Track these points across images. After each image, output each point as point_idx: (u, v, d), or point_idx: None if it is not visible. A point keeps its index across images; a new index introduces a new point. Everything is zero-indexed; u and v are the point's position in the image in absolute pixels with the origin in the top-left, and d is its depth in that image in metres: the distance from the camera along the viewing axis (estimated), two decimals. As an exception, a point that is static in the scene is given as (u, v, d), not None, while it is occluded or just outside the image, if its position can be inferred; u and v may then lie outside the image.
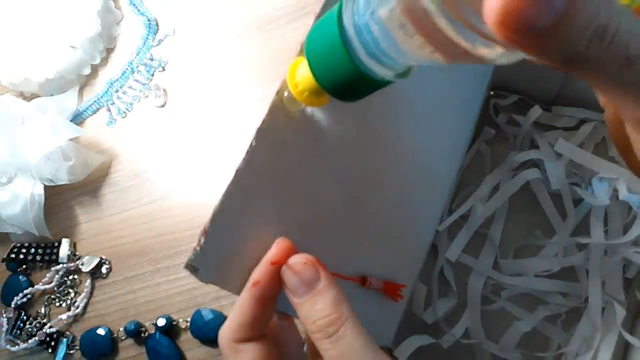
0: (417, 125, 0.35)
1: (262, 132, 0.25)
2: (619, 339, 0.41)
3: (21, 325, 0.48)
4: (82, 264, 0.48)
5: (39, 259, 0.49)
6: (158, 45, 0.52)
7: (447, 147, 0.39)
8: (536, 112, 0.45)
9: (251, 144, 0.25)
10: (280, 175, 0.27)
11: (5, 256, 0.50)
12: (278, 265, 0.25)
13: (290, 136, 0.27)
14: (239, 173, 0.25)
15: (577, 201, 0.45)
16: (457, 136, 0.40)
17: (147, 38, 0.52)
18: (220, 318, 0.44)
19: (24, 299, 0.49)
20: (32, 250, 0.49)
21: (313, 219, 0.28)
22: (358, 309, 0.24)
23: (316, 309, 0.24)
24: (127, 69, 0.52)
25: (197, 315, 0.44)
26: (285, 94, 0.26)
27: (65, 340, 0.47)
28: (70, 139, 0.48)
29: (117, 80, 0.52)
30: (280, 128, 0.26)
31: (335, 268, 0.25)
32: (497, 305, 0.43)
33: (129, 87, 0.52)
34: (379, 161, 0.32)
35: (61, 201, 0.50)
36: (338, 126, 0.29)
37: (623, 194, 0.41)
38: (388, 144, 0.33)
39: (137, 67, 0.52)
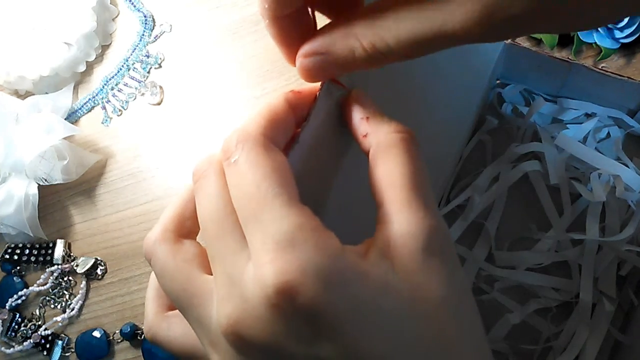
0: (417, 109, 0.34)
1: None
2: (607, 336, 0.41)
3: (16, 327, 0.48)
4: (77, 265, 0.47)
5: (33, 260, 0.48)
6: (154, 41, 0.51)
7: (447, 135, 0.39)
8: (540, 103, 0.45)
9: None
10: None
11: (-1, 257, 0.49)
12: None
13: None
14: None
15: (577, 195, 0.44)
16: (457, 124, 0.40)
17: (143, 34, 0.51)
18: (217, 320, 0.43)
19: (19, 301, 0.48)
20: (27, 251, 0.49)
21: None
22: None
23: None
24: (122, 66, 0.51)
25: (195, 317, 0.43)
26: None
27: (60, 342, 0.47)
28: (65, 138, 0.47)
29: (113, 77, 0.51)
30: None
31: None
32: (489, 296, 0.43)
33: (124, 85, 0.51)
34: None
35: (55, 201, 0.50)
36: None
37: (620, 191, 0.41)
38: None
39: (132, 64, 0.51)
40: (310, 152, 0.25)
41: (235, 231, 0.22)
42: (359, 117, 0.25)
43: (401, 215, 0.22)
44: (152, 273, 0.27)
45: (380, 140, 0.24)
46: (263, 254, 0.20)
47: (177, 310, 0.26)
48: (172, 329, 0.25)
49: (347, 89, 0.26)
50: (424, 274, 0.21)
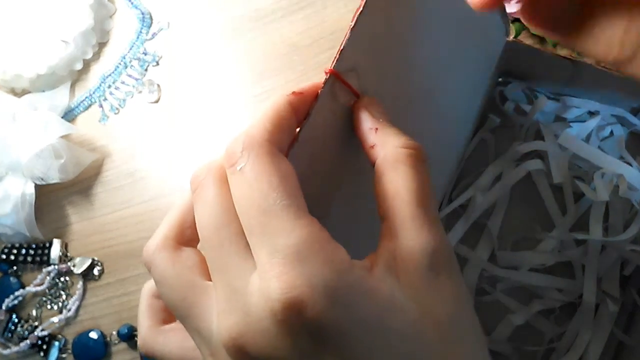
0: (424, 109, 0.34)
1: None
2: (611, 336, 0.41)
3: (12, 327, 0.47)
4: (74, 266, 0.47)
5: (30, 260, 0.48)
6: (152, 39, 0.51)
7: (451, 134, 0.38)
8: (543, 101, 0.44)
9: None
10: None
11: (-5, 257, 0.49)
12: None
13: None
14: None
15: (580, 194, 0.44)
16: (460, 123, 0.39)
17: (140, 32, 0.51)
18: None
19: (15, 301, 0.48)
20: (23, 251, 0.48)
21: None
22: None
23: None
24: (120, 63, 0.50)
25: (193, 318, 0.43)
26: None
27: (57, 343, 0.46)
28: (62, 137, 0.47)
29: (110, 75, 0.50)
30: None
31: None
32: (492, 297, 0.43)
33: (122, 83, 0.50)
34: None
35: (52, 200, 0.49)
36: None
37: (624, 190, 0.40)
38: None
39: (130, 62, 0.50)
40: (312, 152, 0.25)
41: (237, 241, 0.21)
42: (367, 127, 0.25)
43: (408, 231, 0.21)
44: (145, 285, 0.27)
45: (387, 153, 0.23)
46: (270, 268, 0.19)
47: (173, 324, 0.25)
48: (169, 343, 0.24)
49: (353, 90, 0.25)
50: (430, 292, 0.21)
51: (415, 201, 0.22)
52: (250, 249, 0.21)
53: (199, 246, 0.24)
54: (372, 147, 0.24)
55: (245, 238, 0.21)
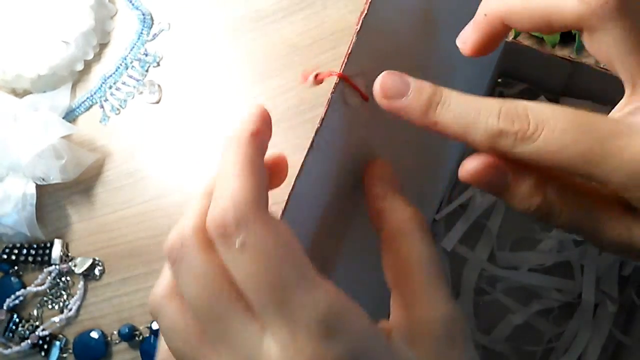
0: None
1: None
2: (610, 336, 0.41)
3: (13, 327, 0.47)
4: (75, 265, 0.47)
5: (30, 260, 0.48)
6: (153, 40, 0.51)
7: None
8: (542, 101, 0.45)
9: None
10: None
11: (-4, 257, 0.49)
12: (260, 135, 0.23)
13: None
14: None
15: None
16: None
17: (141, 33, 0.51)
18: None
19: (16, 301, 0.48)
20: (24, 251, 0.48)
21: None
22: None
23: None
24: (120, 64, 0.51)
25: (193, 318, 0.43)
26: None
27: (58, 343, 0.46)
28: (63, 137, 0.47)
29: (111, 76, 0.51)
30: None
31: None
32: (491, 296, 0.43)
33: (122, 83, 0.50)
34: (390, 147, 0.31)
35: (53, 201, 0.49)
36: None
37: None
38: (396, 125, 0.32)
39: (131, 63, 0.50)
40: (328, 159, 0.24)
41: (237, 309, 0.20)
42: (377, 191, 0.24)
43: (423, 301, 0.22)
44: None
45: (397, 223, 0.23)
46: (293, 344, 0.19)
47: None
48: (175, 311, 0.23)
49: (362, 93, 0.25)
50: None
51: (428, 272, 0.22)
52: (250, 311, 0.20)
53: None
54: (381, 212, 0.24)
55: (242, 302, 0.20)
